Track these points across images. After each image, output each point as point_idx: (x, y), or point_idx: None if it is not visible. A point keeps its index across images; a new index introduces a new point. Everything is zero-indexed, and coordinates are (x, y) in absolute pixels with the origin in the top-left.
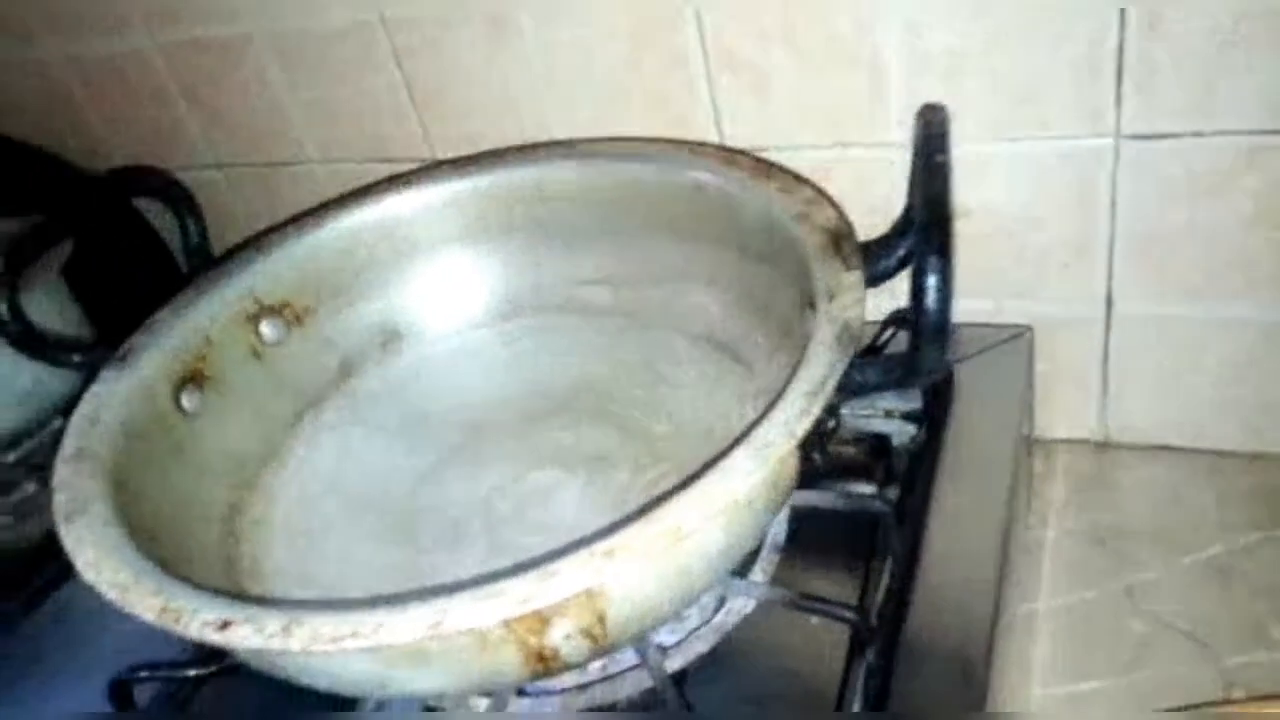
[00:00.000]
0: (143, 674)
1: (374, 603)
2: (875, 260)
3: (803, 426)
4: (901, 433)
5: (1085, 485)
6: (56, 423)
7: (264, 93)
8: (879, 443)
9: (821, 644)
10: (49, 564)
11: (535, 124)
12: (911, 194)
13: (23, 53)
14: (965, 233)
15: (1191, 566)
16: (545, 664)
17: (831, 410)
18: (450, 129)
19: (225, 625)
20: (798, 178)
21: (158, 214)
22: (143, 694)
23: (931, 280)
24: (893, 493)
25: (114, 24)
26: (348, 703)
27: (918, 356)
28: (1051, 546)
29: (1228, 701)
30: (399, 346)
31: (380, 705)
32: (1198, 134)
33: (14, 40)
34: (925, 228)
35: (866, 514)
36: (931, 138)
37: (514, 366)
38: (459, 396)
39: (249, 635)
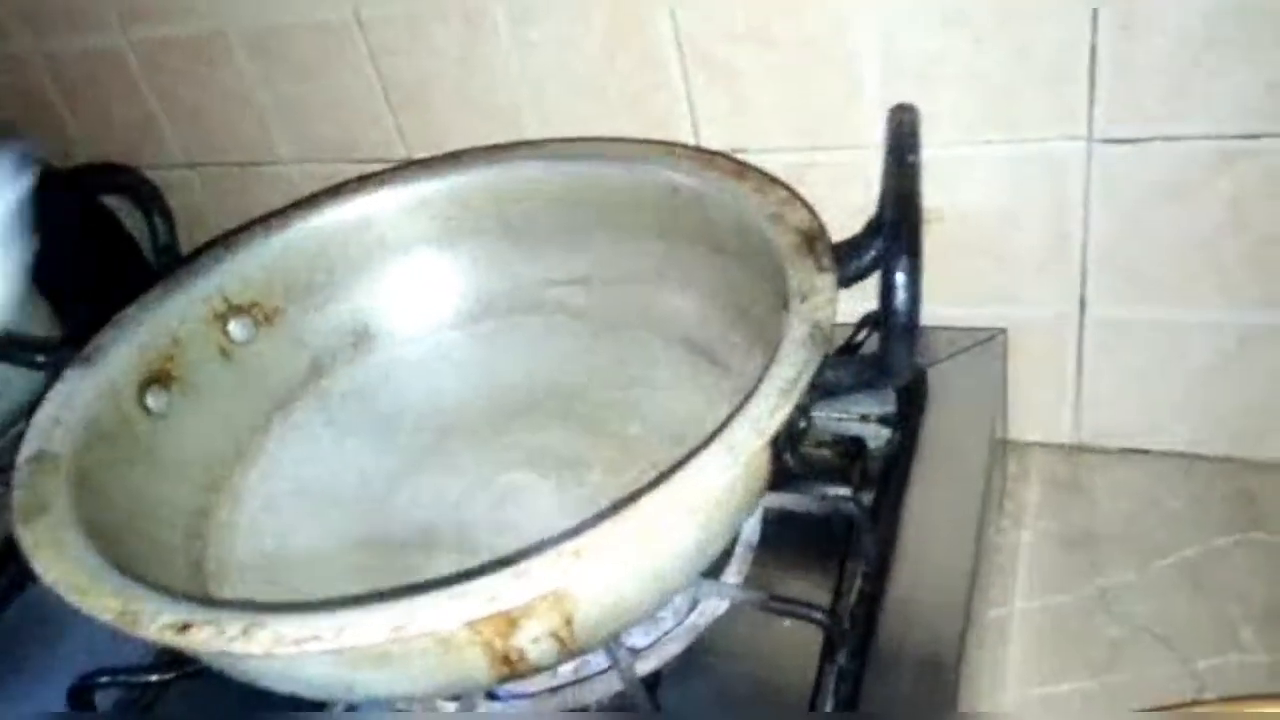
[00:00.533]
0: (103, 679)
1: (337, 605)
2: (848, 261)
3: (773, 426)
4: (876, 436)
5: (1059, 488)
6: (21, 424)
7: (237, 91)
8: (854, 446)
9: (794, 646)
10: (12, 567)
11: (511, 123)
12: (883, 195)
13: None
14: (939, 235)
15: (1164, 570)
16: (512, 667)
17: (803, 410)
18: (426, 128)
19: (185, 628)
20: (772, 179)
21: (129, 212)
22: (104, 699)
23: (900, 279)
24: (867, 495)
25: (88, 20)
26: (315, 708)
27: (887, 356)
28: (1025, 549)
29: (1197, 703)
30: (370, 347)
31: (349, 710)
32: (1170, 138)
33: None
34: (894, 228)
35: (839, 516)
36: (902, 138)
37: (486, 368)
38: (430, 397)
39: (209, 638)
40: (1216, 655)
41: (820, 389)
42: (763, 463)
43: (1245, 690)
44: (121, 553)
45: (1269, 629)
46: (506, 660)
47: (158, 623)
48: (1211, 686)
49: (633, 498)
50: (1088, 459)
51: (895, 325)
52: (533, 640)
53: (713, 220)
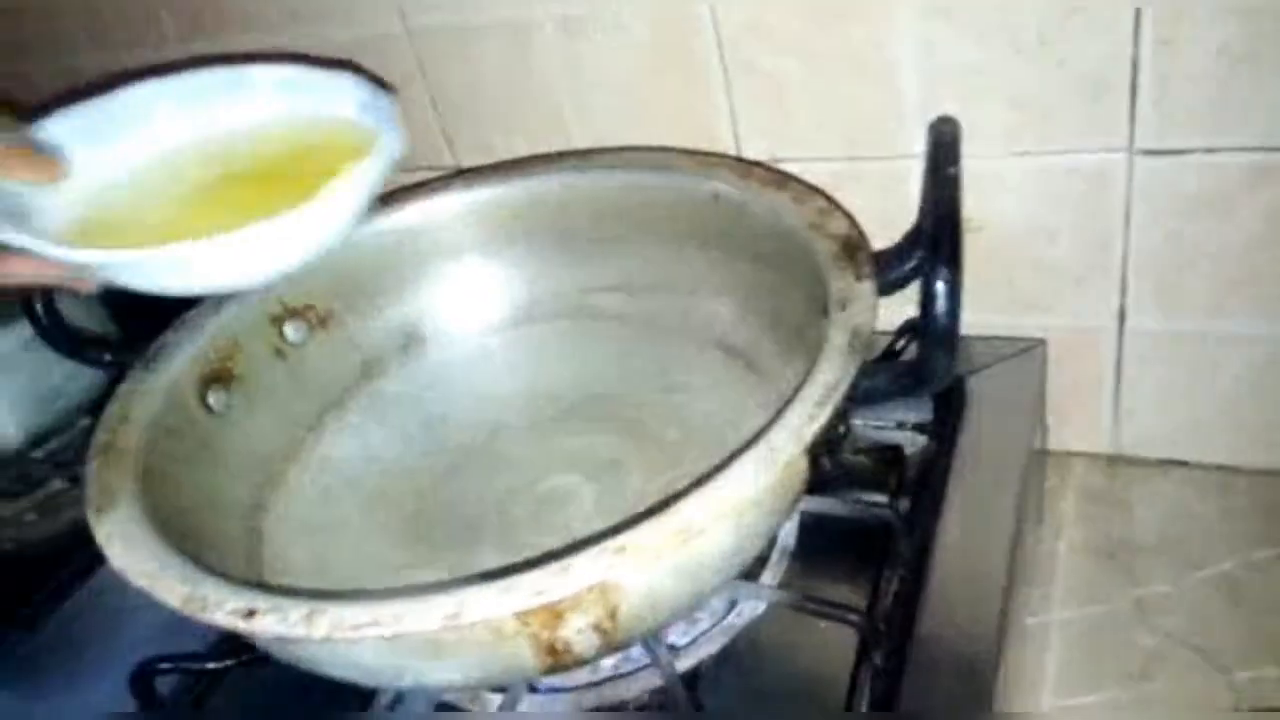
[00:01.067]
0: (164, 665)
1: (394, 594)
2: (887, 269)
3: (811, 431)
4: (914, 443)
5: (1097, 499)
6: (83, 421)
7: None
8: (892, 453)
9: (831, 649)
10: (74, 558)
11: (557, 133)
12: (923, 205)
13: (61, 61)
14: (980, 246)
15: (1201, 581)
16: (557, 657)
17: (842, 416)
18: (473, 138)
19: (250, 613)
20: (811, 188)
21: None
22: (163, 686)
23: (940, 288)
24: (905, 502)
25: (149, 35)
26: (364, 698)
27: (926, 364)
28: (1063, 559)
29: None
30: (419, 350)
31: (395, 701)
32: (1210, 150)
33: (54, 49)
34: (934, 237)
35: (876, 521)
36: (942, 149)
37: (530, 371)
38: (477, 399)
39: (273, 623)
40: (1253, 668)
41: (858, 395)
42: (800, 468)
43: None
44: (185, 543)
45: None
46: (552, 651)
47: (225, 608)
48: (1248, 699)
49: (674, 498)
50: (1127, 470)
51: (935, 334)
52: (577, 631)
53: (752, 228)
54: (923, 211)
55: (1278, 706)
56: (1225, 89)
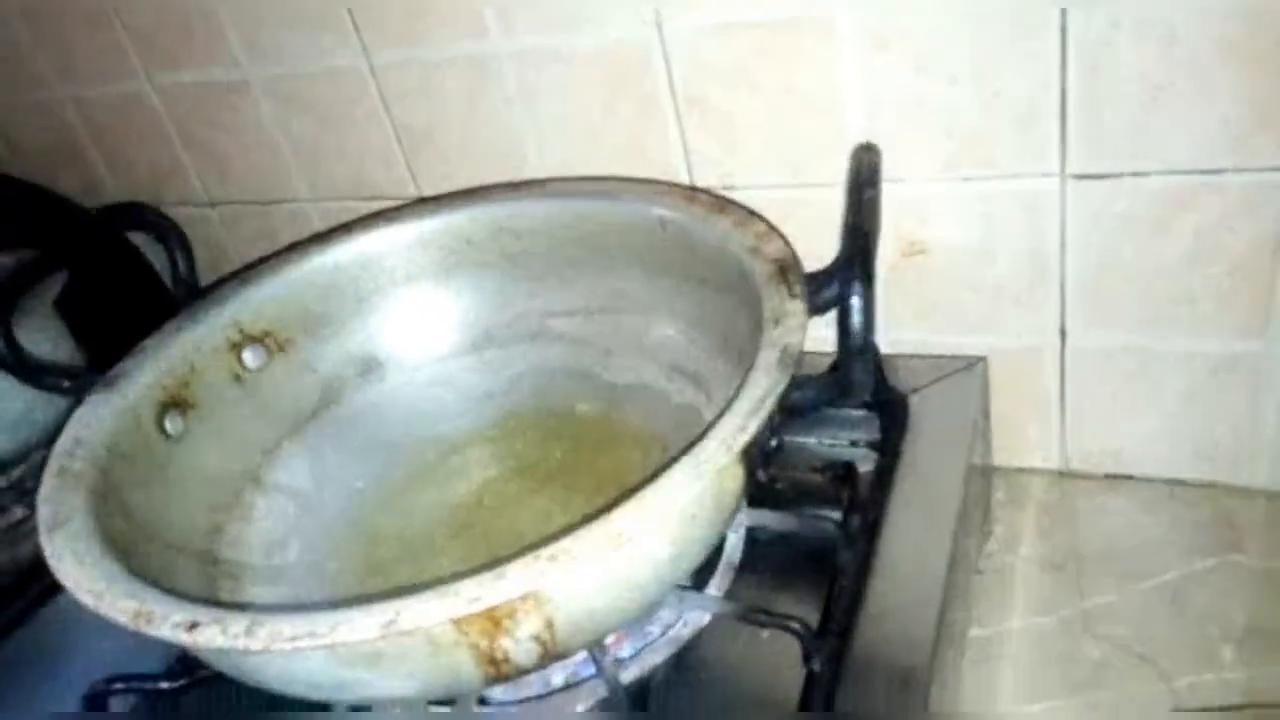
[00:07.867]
0: (118, 685)
1: (333, 605)
2: (819, 289)
3: (740, 442)
4: (866, 459)
5: (1046, 513)
6: (46, 449)
7: (257, 134)
8: (845, 469)
9: (777, 659)
10: (35, 586)
11: (516, 164)
12: (843, 228)
13: (32, 94)
14: (922, 267)
15: (1146, 591)
16: (499, 668)
17: (773, 429)
18: (435, 169)
19: (194, 626)
20: (751, 213)
21: (152, 248)
22: (118, 706)
23: (855, 304)
24: (856, 518)
25: (116, 69)
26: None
27: (848, 375)
28: (1013, 572)
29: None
30: (377, 375)
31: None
32: (1138, 174)
33: (25, 83)
34: (850, 257)
35: (821, 535)
36: (862, 173)
37: (487, 393)
38: (434, 422)
39: (215, 635)
40: (1193, 674)
41: (789, 409)
42: (733, 477)
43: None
44: (137, 564)
45: (1247, 648)
46: (493, 661)
47: (169, 621)
48: (1187, 703)
49: (609, 507)
50: (1074, 484)
51: (852, 346)
52: (516, 641)
53: (697, 253)
54: (844, 232)
55: (1213, 707)
56: (1149, 116)
